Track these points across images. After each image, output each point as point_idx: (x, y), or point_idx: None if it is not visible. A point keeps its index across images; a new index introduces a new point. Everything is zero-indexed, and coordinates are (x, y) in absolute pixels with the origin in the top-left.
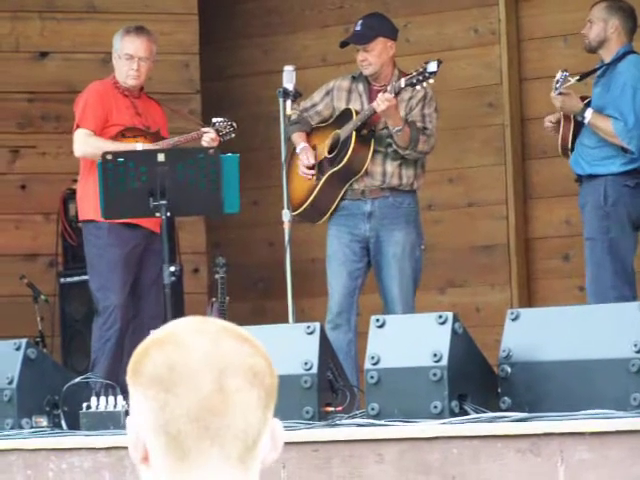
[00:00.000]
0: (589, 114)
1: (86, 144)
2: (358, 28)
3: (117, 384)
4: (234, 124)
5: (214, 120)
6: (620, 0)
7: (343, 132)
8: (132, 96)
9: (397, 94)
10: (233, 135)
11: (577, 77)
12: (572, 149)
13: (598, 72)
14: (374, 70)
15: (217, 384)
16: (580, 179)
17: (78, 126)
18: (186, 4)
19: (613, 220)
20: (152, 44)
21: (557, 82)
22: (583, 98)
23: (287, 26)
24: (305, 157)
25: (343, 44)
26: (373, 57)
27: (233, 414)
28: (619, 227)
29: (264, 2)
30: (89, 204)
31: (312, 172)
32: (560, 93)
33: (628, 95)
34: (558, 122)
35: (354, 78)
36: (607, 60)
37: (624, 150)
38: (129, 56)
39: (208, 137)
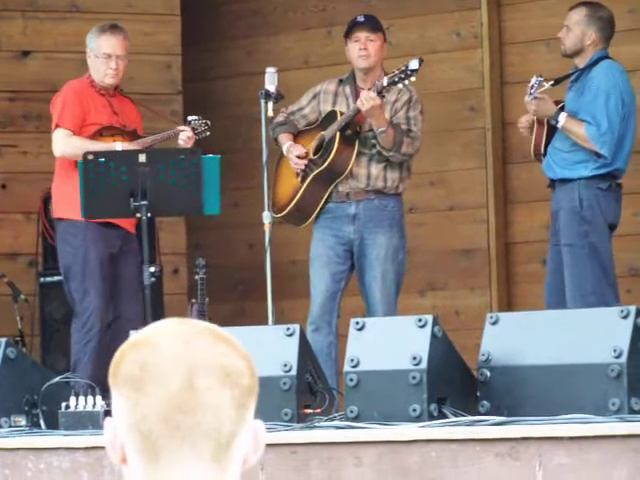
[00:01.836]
0: (563, 118)
1: (66, 144)
2: (363, 19)
3: (100, 385)
4: (209, 122)
5: (189, 118)
6: (599, 6)
7: (328, 133)
8: (108, 95)
9: (379, 92)
10: (208, 133)
11: (552, 82)
12: (545, 154)
13: (572, 77)
14: (371, 63)
15: (187, 382)
16: (553, 184)
17: (57, 126)
18: (169, 4)
19: (591, 224)
20: (127, 41)
21: (532, 87)
22: (557, 103)
23: (270, 28)
24: (295, 149)
25: (350, 28)
26: (374, 49)
27: (203, 412)
28: (597, 230)
29: (247, 3)
30: (64, 202)
31: (304, 161)
32: (535, 98)
33: (601, 100)
34: (531, 126)
35: (341, 81)
36: (581, 66)
37: (597, 155)
38: (107, 55)
39: (185, 135)
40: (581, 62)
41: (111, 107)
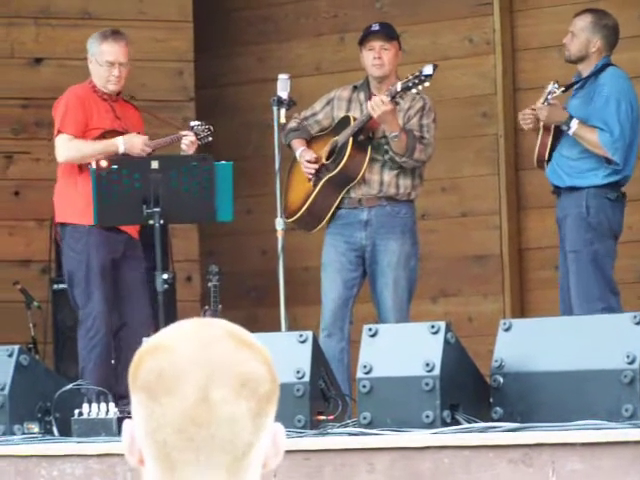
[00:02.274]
0: (575, 124)
1: (69, 149)
2: (378, 27)
3: (108, 391)
4: (211, 128)
5: (192, 124)
6: (604, 14)
7: (341, 138)
8: (110, 100)
9: (393, 97)
10: (210, 139)
11: (562, 88)
12: (548, 160)
13: (577, 84)
14: (385, 72)
15: (202, 394)
16: (558, 190)
17: (59, 131)
18: (181, 11)
19: (596, 232)
20: (129, 47)
21: (549, 93)
22: None
23: (282, 34)
24: (306, 154)
25: (365, 36)
26: (388, 57)
27: (218, 425)
28: (602, 240)
29: (259, 10)
30: (67, 207)
31: (315, 166)
32: (548, 103)
33: (612, 106)
34: (536, 125)
35: (355, 88)
36: (585, 73)
37: (608, 161)
38: (109, 62)
39: (187, 140)
40: (585, 69)
41: (113, 112)
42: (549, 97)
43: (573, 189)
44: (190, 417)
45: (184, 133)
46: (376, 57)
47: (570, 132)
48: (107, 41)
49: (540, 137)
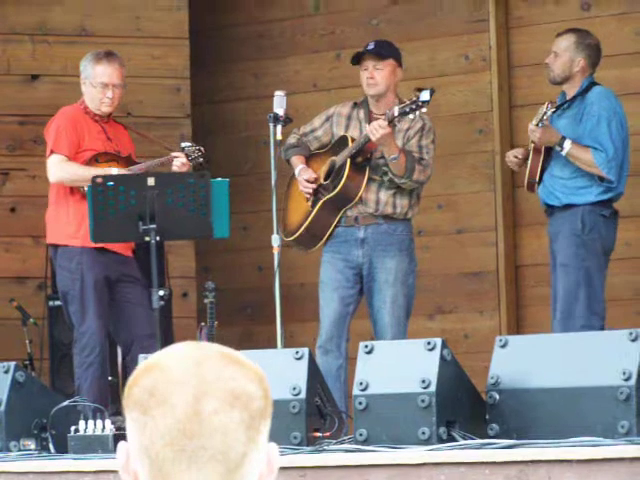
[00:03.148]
0: (568, 145)
1: (62, 170)
2: (372, 46)
3: (105, 408)
4: (202, 149)
5: (183, 145)
6: (587, 33)
7: (339, 159)
8: (102, 121)
9: (390, 121)
10: (201, 160)
11: (553, 109)
12: (539, 182)
13: (564, 105)
14: (379, 91)
15: (192, 406)
16: (551, 210)
17: (52, 152)
18: (177, 28)
19: (589, 249)
20: (123, 68)
21: (544, 114)
22: None
23: (278, 51)
24: (305, 173)
25: (357, 57)
26: (381, 76)
27: (209, 436)
28: (594, 256)
29: (255, 26)
30: (58, 228)
31: (313, 186)
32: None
33: (604, 126)
34: (525, 158)
35: (355, 105)
36: (571, 93)
37: (601, 179)
38: (104, 84)
39: (179, 162)
40: (570, 88)
41: (105, 133)
42: (544, 118)
43: (569, 206)
44: (181, 429)
45: (175, 155)
46: (369, 77)
47: (563, 152)
48: (101, 63)
49: (530, 159)
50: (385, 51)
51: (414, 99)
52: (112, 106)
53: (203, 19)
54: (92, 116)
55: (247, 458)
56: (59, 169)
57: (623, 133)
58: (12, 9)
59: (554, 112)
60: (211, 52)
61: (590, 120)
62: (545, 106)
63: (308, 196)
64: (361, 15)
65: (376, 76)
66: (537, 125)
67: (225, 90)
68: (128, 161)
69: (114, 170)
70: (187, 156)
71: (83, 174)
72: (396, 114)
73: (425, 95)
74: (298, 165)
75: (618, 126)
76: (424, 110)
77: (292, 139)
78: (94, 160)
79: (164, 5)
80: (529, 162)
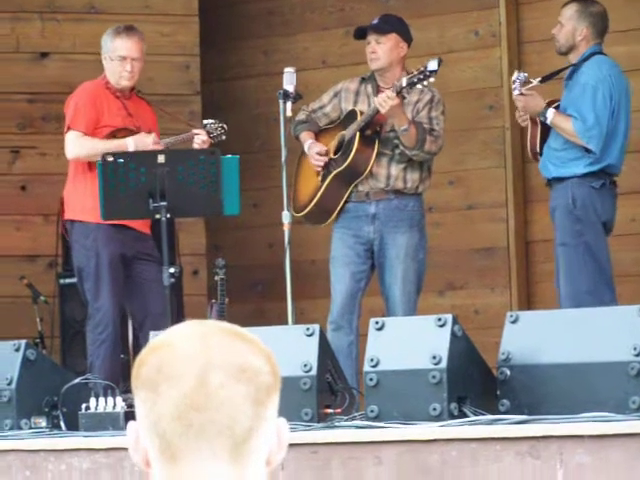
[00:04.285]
0: (550, 114)
1: (78, 146)
2: (376, 21)
3: (116, 385)
4: (225, 126)
5: (205, 122)
6: (591, 2)
7: (348, 132)
8: (123, 97)
9: (399, 92)
10: (224, 137)
11: (539, 79)
12: (541, 153)
13: (567, 74)
14: (381, 65)
15: (200, 380)
16: (549, 183)
17: (69, 128)
18: (186, 5)
19: (585, 223)
20: (143, 43)
21: (513, 82)
22: (554, 101)
23: (287, 28)
24: (315, 147)
25: (358, 32)
26: (383, 51)
27: (216, 409)
28: (592, 230)
29: (265, 3)
30: (76, 204)
31: (324, 158)
32: (521, 94)
33: (588, 94)
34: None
35: (363, 79)
36: (574, 62)
37: (587, 151)
38: (122, 57)
39: (199, 139)
40: (574, 58)
41: (126, 109)
42: (515, 86)
43: (560, 180)
44: (189, 403)
45: (196, 132)
46: (371, 52)
47: (547, 122)
48: (120, 36)
49: (530, 129)
50: (387, 26)
51: (421, 69)
52: (132, 80)
53: None
54: (113, 92)
55: (254, 432)
56: (76, 145)
57: (612, 103)
58: None
59: (542, 81)
60: (221, 29)
61: (577, 88)
62: (515, 74)
63: (319, 169)
64: None
65: (378, 50)
66: (522, 94)
67: (235, 67)
68: None
69: (130, 141)
70: (209, 133)
71: (100, 148)
72: (404, 85)
73: (433, 64)
74: (307, 140)
75: (605, 95)
76: (432, 80)
77: (301, 115)
78: (112, 136)
79: None
80: (528, 132)
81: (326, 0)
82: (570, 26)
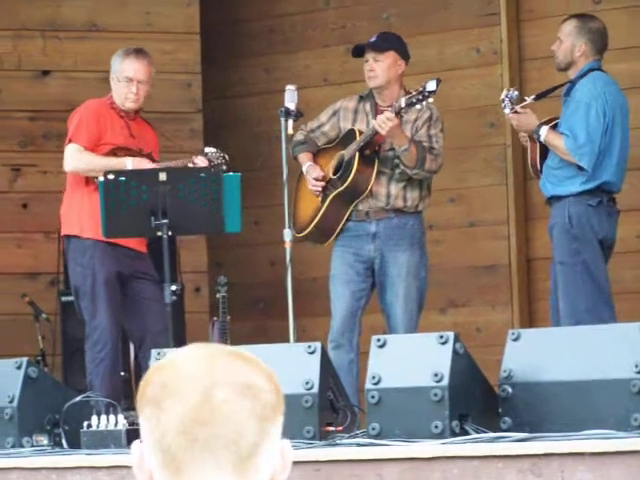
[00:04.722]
0: (544, 132)
1: (77, 159)
2: (373, 39)
3: (117, 403)
4: (226, 157)
5: (207, 150)
6: (590, 18)
7: (347, 153)
8: (128, 118)
9: (397, 113)
10: (224, 167)
11: (533, 96)
12: (542, 169)
13: (564, 90)
14: (379, 83)
15: (204, 395)
16: (549, 201)
17: (70, 141)
18: (188, 23)
19: (582, 241)
20: (151, 67)
21: (502, 101)
22: (554, 119)
23: (289, 45)
24: (313, 171)
25: (356, 50)
26: (381, 69)
27: (221, 424)
28: (588, 247)
29: (266, 21)
30: (74, 220)
31: (321, 184)
32: (515, 112)
33: (581, 111)
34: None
35: (361, 98)
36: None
37: (580, 168)
38: (129, 79)
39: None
40: (573, 74)
41: (129, 129)
42: (504, 105)
43: (558, 198)
44: (193, 417)
45: (197, 160)
46: (368, 70)
47: (541, 140)
48: (129, 58)
49: (529, 147)
50: (385, 43)
51: (420, 89)
52: (137, 102)
53: (214, 14)
54: (118, 112)
55: (259, 449)
56: (75, 158)
57: (606, 120)
58: (23, 5)
59: (536, 99)
60: (222, 47)
61: (571, 106)
62: (504, 92)
63: (317, 194)
64: (371, 9)
65: (376, 68)
66: (515, 112)
67: (236, 85)
68: (149, 158)
69: (129, 160)
70: (210, 161)
71: (99, 164)
72: (403, 105)
73: (431, 85)
74: (306, 162)
75: (599, 112)
76: (431, 100)
77: (299, 136)
78: (112, 154)
79: (175, 0)
80: (528, 150)
81: (327, 18)
82: (569, 42)
